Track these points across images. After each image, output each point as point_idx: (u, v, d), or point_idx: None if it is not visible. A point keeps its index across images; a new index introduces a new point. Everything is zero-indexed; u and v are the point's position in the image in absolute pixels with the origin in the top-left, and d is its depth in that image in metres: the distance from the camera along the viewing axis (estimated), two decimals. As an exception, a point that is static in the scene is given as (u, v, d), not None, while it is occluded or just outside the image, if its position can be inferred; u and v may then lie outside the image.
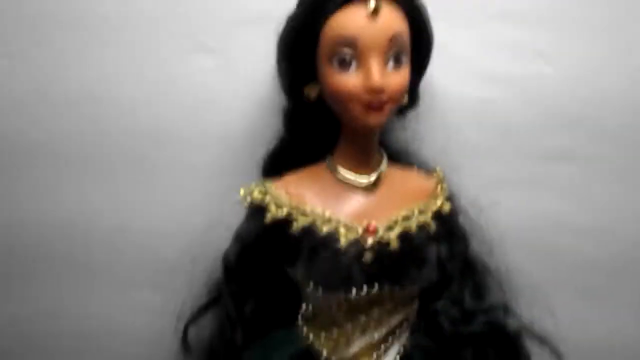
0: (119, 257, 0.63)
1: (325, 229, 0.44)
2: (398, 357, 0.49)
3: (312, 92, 0.45)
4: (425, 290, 0.49)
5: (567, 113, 0.57)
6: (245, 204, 0.48)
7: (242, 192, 0.48)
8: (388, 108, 0.43)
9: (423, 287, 0.47)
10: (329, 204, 0.46)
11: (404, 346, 0.49)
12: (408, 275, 0.45)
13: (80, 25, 0.58)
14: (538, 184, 0.57)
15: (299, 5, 0.45)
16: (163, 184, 0.60)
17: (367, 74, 0.41)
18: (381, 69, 0.42)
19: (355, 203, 0.46)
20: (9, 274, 0.65)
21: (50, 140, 0.61)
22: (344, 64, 0.42)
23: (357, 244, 0.44)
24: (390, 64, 0.43)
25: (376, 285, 0.44)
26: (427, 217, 0.47)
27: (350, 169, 0.47)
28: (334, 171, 0.47)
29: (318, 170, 0.48)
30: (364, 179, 0.47)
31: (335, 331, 0.47)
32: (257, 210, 0.47)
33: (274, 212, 0.45)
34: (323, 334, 0.48)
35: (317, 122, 0.49)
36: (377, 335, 0.47)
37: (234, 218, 0.53)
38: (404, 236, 0.45)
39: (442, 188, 0.49)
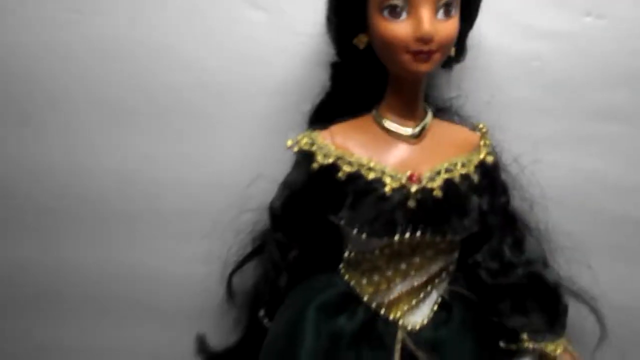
0: (167, 207, 0.66)
1: (370, 175, 0.46)
2: (436, 305, 0.50)
3: (361, 42, 0.47)
4: (465, 242, 0.51)
5: (615, 70, 0.56)
6: (293, 153, 0.50)
7: (289, 141, 0.50)
8: (436, 57, 0.44)
9: (463, 236, 0.48)
10: (374, 153, 0.47)
11: (443, 296, 0.51)
12: (449, 223, 0.46)
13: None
14: (583, 142, 0.57)
15: None
16: (212, 136, 0.63)
17: (418, 22, 0.42)
18: (431, 18, 0.43)
19: (400, 153, 0.48)
20: (59, 222, 0.69)
21: (107, 94, 0.64)
22: (395, 13, 0.43)
23: (402, 191, 0.45)
24: (440, 13, 0.43)
25: (418, 232, 0.46)
26: (470, 168, 0.48)
27: (396, 120, 0.48)
28: (380, 122, 0.49)
29: (364, 122, 0.49)
30: (409, 130, 0.48)
31: (376, 277, 0.49)
32: (304, 158, 0.49)
33: (320, 160, 0.47)
34: (364, 280, 0.50)
35: (364, 74, 0.50)
36: (416, 283, 0.49)
37: (280, 171, 0.55)
38: (447, 185, 0.46)
39: (485, 141, 0.50)
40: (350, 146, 0.48)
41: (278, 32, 0.58)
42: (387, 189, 0.45)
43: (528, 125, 0.57)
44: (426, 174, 0.46)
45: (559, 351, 0.48)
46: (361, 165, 0.47)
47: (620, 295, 0.58)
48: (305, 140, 0.49)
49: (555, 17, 0.56)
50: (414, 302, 0.49)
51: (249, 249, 0.60)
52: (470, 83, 0.56)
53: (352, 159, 0.47)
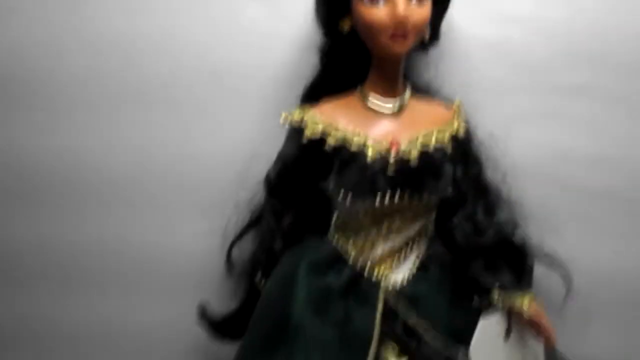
0: (170, 185, 0.71)
1: (355, 145, 0.51)
2: (415, 265, 0.56)
3: (345, 25, 0.52)
4: (442, 209, 0.56)
5: (577, 51, 0.62)
6: (286, 126, 0.55)
7: (283, 116, 0.55)
8: (411, 37, 0.50)
9: (438, 198, 0.53)
10: (358, 127, 0.53)
11: (421, 256, 0.56)
12: (425, 186, 0.51)
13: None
14: (550, 118, 0.63)
15: None
16: (211, 118, 0.68)
17: (394, 7, 0.48)
18: (406, 4, 0.49)
19: (381, 126, 0.53)
20: (64, 199, 0.73)
21: (112, 80, 0.69)
22: (374, 0, 0.49)
23: (382, 158, 0.51)
24: (414, 0, 0.49)
25: (397, 195, 0.51)
26: (445, 139, 0.53)
27: (378, 97, 0.54)
28: (364, 98, 0.54)
29: (350, 99, 0.55)
30: (390, 105, 0.54)
31: (361, 237, 0.54)
32: (295, 131, 0.54)
33: (310, 133, 0.53)
34: (351, 240, 0.55)
35: (349, 57, 0.55)
36: (398, 242, 0.54)
37: (275, 149, 0.60)
38: (423, 153, 0.51)
39: (459, 115, 0.56)
40: (337, 120, 0.53)
41: (272, 20, 0.64)
42: (369, 157, 0.51)
43: (500, 103, 0.63)
44: (404, 143, 0.52)
45: (526, 303, 0.53)
46: (346, 136, 0.52)
47: (585, 260, 0.63)
48: (296, 115, 0.54)
49: (522, 3, 0.62)
50: (395, 261, 0.55)
51: (247, 222, 0.65)
52: (446, 65, 0.61)
53: (338, 132, 0.52)
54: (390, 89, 0.54)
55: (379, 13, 0.49)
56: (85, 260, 0.76)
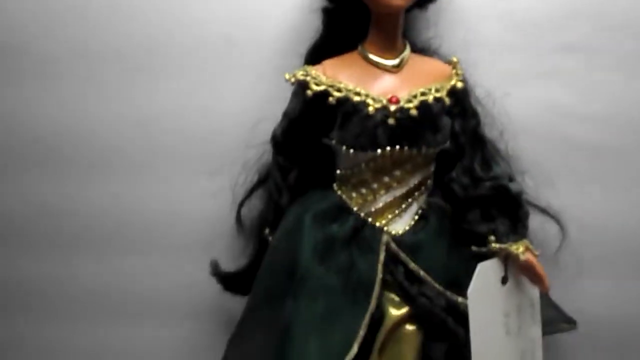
0: (179, 148, 0.73)
1: (356, 99, 0.54)
2: (416, 215, 0.58)
3: (345, -19, 0.54)
4: (441, 162, 0.58)
5: (573, 9, 0.63)
6: (291, 85, 0.58)
7: (287, 75, 0.58)
8: None
9: (437, 150, 0.56)
10: (360, 82, 0.55)
11: (422, 207, 0.59)
12: (424, 138, 0.54)
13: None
14: (546, 75, 0.65)
15: None
16: (219, 81, 0.70)
17: None
18: None
19: (382, 81, 0.56)
20: (81, 166, 0.76)
21: (118, 46, 0.71)
22: None
23: (383, 111, 0.53)
24: None
25: (397, 146, 0.54)
26: (443, 93, 0.55)
27: (378, 53, 0.56)
28: (364, 56, 0.57)
29: (351, 57, 0.57)
30: (390, 61, 0.56)
31: (363, 190, 0.57)
32: (299, 88, 0.57)
33: (313, 88, 0.55)
34: (353, 193, 0.58)
35: (350, 17, 0.58)
36: (398, 193, 0.57)
37: (280, 110, 0.62)
38: (422, 106, 0.54)
39: (457, 71, 0.58)
40: (340, 77, 0.56)
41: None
42: (370, 109, 0.53)
43: (497, 62, 0.65)
44: (404, 96, 0.54)
45: (521, 250, 0.55)
46: (348, 91, 0.55)
47: (579, 212, 0.65)
48: (300, 72, 0.57)
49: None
50: (396, 211, 0.58)
51: (255, 181, 0.68)
52: (445, 24, 0.63)
53: (340, 86, 0.55)
54: (390, 47, 0.56)
55: None
56: (95, 222, 0.78)
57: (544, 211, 0.63)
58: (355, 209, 0.58)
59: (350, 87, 0.55)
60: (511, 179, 0.58)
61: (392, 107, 0.53)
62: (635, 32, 0.63)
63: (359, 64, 0.57)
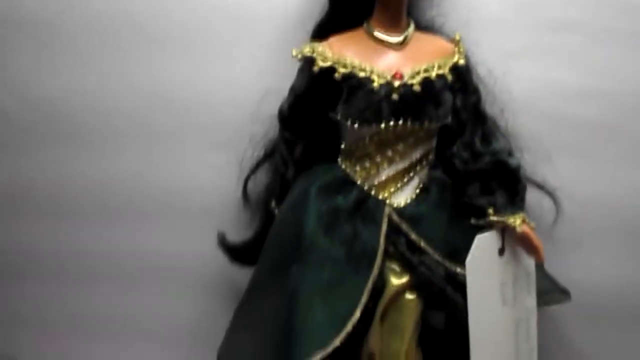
0: (187, 123, 0.75)
1: (361, 74, 0.56)
2: (418, 188, 0.61)
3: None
4: (442, 136, 0.60)
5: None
6: (298, 61, 0.60)
7: (294, 51, 0.60)
8: None
9: (438, 124, 0.58)
10: (365, 58, 0.57)
11: (423, 180, 0.61)
12: (426, 112, 0.56)
13: None
14: (546, 54, 0.66)
15: None
16: (227, 57, 0.72)
17: None
18: None
19: (387, 58, 0.57)
20: (89, 140, 0.78)
21: (132, 21, 0.73)
22: None
23: (387, 86, 0.55)
24: None
25: (400, 120, 0.55)
26: (446, 70, 0.57)
27: (383, 30, 0.58)
28: (370, 32, 0.58)
29: (357, 33, 0.59)
30: (395, 39, 0.58)
31: (367, 163, 0.59)
32: (306, 63, 0.58)
33: (320, 64, 0.57)
34: (357, 166, 0.60)
35: None
36: (401, 167, 0.59)
37: (287, 85, 0.64)
38: (425, 82, 0.56)
39: (459, 48, 0.60)
40: (345, 53, 0.57)
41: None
42: (374, 84, 0.55)
43: (499, 39, 0.66)
44: (408, 73, 0.56)
45: (518, 222, 0.57)
46: (354, 67, 0.56)
47: (576, 188, 0.67)
48: (307, 48, 0.58)
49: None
50: (399, 184, 0.60)
51: (261, 155, 0.70)
52: (448, 3, 0.65)
53: (346, 62, 0.57)
54: (394, 24, 0.58)
55: None
56: (104, 194, 0.81)
57: (540, 186, 0.65)
58: (359, 181, 0.60)
59: (356, 63, 0.56)
60: (510, 154, 0.60)
61: (396, 83, 0.55)
62: (634, 9, 0.65)
63: (364, 40, 0.58)
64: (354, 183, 0.60)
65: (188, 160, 0.77)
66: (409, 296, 0.61)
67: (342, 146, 0.60)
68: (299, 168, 0.63)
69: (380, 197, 0.59)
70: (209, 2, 0.71)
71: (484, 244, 0.59)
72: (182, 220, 0.81)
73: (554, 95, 0.67)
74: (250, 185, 0.73)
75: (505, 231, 0.59)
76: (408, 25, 0.59)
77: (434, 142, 0.60)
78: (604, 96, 0.66)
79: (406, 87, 0.55)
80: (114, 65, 0.75)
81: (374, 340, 0.62)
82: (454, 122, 0.59)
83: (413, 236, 0.58)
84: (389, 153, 0.58)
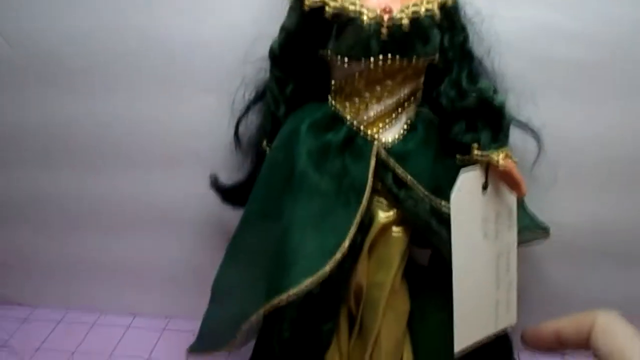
0: (179, 65, 0.76)
1: (351, 11, 0.56)
2: (406, 126, 0.62)
3: None
4: (429, 76, 0.62)
5: None
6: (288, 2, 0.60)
7: (285, -9, 0.60)
8: None
9: (427, 62, 0.59)
10: None
11: (411, 118, 0.62)
12: (415, 48, 0.57)
13: None
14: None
15: None
16: (221, 0, 0.72)
17: None
18: None
19: (376, -4, 0.58)
20: (81, 83, 0.79)
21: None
22: None
23: (376, 22, 0.56)
24: None
25: (389, 56, 0.57)
26: (434, 6, 0.58)
27: (373, -31, 0.58)
28: (359, -29, 0.58)
29: (346, -28, 0.59)
30: (384, -25, 0.58)
31: (356, 100, 0.61)
32: (297, 1, 0.59)
33: (310, 0, 0.57)
34: (347, 103, 0.61)
35: None
36: (389, 104, 0.61)
37: (278, 27, 0.65)
38: (414, 18, 0.56)
39: (447, -14, 0.60)
40: None
41: None
42: (364, 19, 0.56)
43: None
44: (396, 10, 0.57)
45: (501, 157, 0.59)
46: (344, 5, 0.57)
47: (559, 128, 0.69)
48: (296, -11, 0.59)
49: None
50: (387, 121, 0.61)
51: (252, 96, 0.71)
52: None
53: (336, 1, 0.57)
54: None
55: None
56: (97, 137, 0.82)
57: (524, 126, 0.67)
58: (348, 118, 0.61)
59: (346, 0, 0.57)
60: (495, 92, 0.62)
61: (385, 17, 0.56)
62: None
63: None
64: (343, 120, 0.61)
65: (179, 103, 0.78)
66: (396, 230, 0.63)
67: (332, 83, 0.62)
68: (290, 106, 0.64)
69: (369, 134, 0.61)
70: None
71: (467, 179, 0.61)
72: (174, 163, 0.82)
73: (539, 36, 0.68)
74: (241, 128, 0.74)
75: (489, 168, 0.61)
76: None
77: (421, 80, 0.62)
78: (589, 37, 0.67)
79: (395, 23, 0.56)
80: (105, 8, 0.75)
81: (362, 273, 0.65)
82: (441, 60, 0.60)
83: (400, 172, 0.60)
84: (378, 89, 0.60)
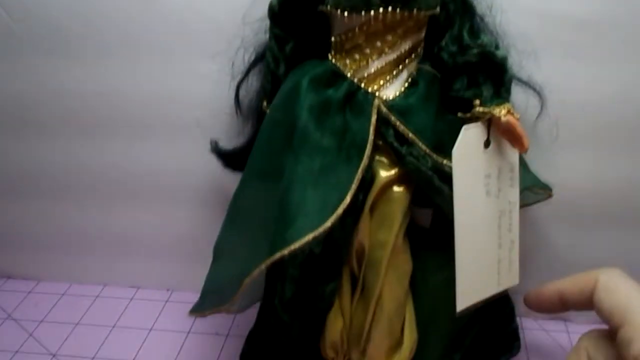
0: (176, 27, 0.75)
1: (351, -36, 0.56)
2: (407, 82, 0.62)
3: None
4: (431, 31, 0.61)
5: None
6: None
7: (284, -56, 0.59)
8: None
9: (427, 15, 0.58)
10: None
11: (412, 73, 0.62)
12: (416, 0, 0.56)
13: None
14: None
15: None
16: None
17: None
18: None
19: (377, -54, 0.57)
20: (79, 51, 0.78)
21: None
22: None
23: (377, -26, 0.55)
24: None
25: (390, 7, 0.56)
26: (436, -42, 0.57)
27: None
28: None
29: None
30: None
31: (357, 55, 0.60)
32: (295, -44, 0.58)
33: (310, -47, 0.57)
34: (347, 59, 0.61)
35: None
36: (390, 59, 0.60)
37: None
38: (414, -32, 0.56)
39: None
40: None
41: None
42: (364, -27, 0.55)
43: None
44: (398, -41, 0.56)
45: (503, 112, 0.59)
46: (343, -42, 0.56)
47: (562, 86, 0.69)
48: (295, -57, 0.58)
49: None
50: (388, 77, 0.61)
51: (252, 59, 0.71)
52: None
53: (336, -45, 0.56)
54: None
55: None
56: (94, 105, 0.82)
57: (525, 83, 0.66)
58: (349, 74, 0.61)
59: None
60: (497, 47, 0.61)
61: (386, -29, 0.55)
62: None
63: None
64: (344, 76, 0.61)
65: (177, 68, 0.78)
66: (397, 188, 0.63)
67: (332, 39, 0.61)
68: (290, 65, 0.64)
69: (370, 89, 0.61)
70: None
71: (469, 135, 0.60)
72: (174, 130, 0.82)
73: (542, -8, 0.67)
74: (242, 93, 0.73)
75: (491, 124, 0.61)
76: None
77: (423, 34, 0.61)
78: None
79: (396, -27, 0.55)
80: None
81: (363, 232, 0.64)
82: (443, 14, 0.60)
83: (401, 128, 0.60)
84: (379, 44, 0.59)
